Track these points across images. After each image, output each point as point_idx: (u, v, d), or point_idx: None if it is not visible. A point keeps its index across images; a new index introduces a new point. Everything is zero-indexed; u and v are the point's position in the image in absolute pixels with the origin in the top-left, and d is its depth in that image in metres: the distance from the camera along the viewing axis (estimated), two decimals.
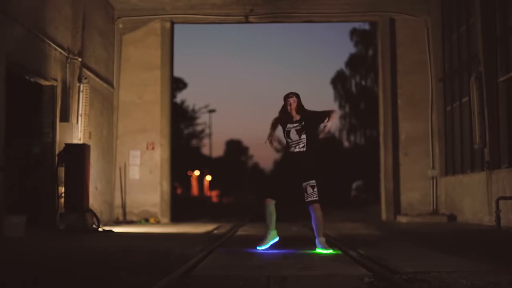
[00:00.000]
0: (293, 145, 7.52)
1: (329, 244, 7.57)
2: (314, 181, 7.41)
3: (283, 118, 7.66)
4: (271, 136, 7.65)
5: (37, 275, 5.43)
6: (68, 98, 12.48)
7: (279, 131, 7.71)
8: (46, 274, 5.50)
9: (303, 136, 7.50)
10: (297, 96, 7.65)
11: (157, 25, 16.71)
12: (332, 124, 7.65)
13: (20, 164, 11.69)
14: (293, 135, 7.52)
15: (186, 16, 16.85)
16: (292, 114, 7.60)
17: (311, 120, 7.59)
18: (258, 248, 7.51)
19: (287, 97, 7.66)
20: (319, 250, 7.30)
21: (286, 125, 7.60)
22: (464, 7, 15.01)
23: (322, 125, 7.57)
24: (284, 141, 7.66)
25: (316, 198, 7.39)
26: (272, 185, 7.69)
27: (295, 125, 7.56)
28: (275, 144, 7.67)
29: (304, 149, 7.49)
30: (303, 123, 7.54)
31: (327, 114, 7.59)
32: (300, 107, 7.61)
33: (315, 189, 7.38)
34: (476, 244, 8.68)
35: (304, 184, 7.40)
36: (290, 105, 7.60)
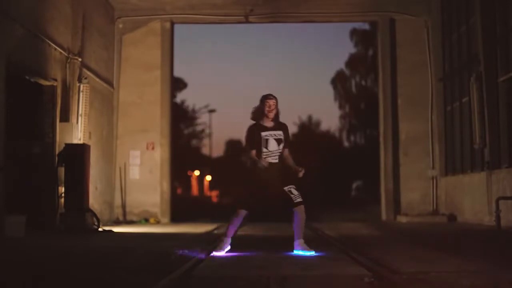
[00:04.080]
0: (269, 156, 6.91)
1: (327, 243, 7.55)
2: (293, 185, 6.97)
3: (256, 127, 6.96)
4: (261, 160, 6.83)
5: (37, 275, 5.43)
6: (68, 98, 12.47)
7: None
8: (46, 274, 5.50)
9: (281, 146, 6.97)
10: (277, 100, 6.98)
11: (157, 25, 16.70)
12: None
13: (20, 164, 11.67)
14: (272, 145, 6.93)
15: (186, 16, 16.84)
16: (270, 119, 6.95)
17: (285, 134, 7.06)
18: (214, 253, 7.00)
19: (267, 98, 6.94)
20: (298, 252, 6.90)
21: (261, 133, 6.92)
22: (464, 7, 15.00)
23: (295, 168, 6.96)
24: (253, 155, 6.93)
25: (302, 200, 6.94)
26: (248, 197, 7.05)
27: (273, 132, 6.95)
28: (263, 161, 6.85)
29: (277, 160, 6.95)
30: (281, 132, 7.01)
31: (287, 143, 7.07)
32: (277, 113, 6.98)
33: (297, 191, 6.96)
34: (476, 244, 8.68)
35: (286, 188, 6.93)
36: (270, 107, 6.90)
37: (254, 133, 6.98)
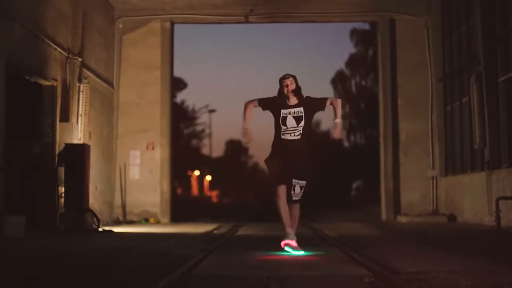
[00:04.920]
0: (287, 132, 6.92)
1: (327, 243, 7.55)
2: (304, 182, 6.90)
3: (276, 102, 7.02)
4: (246, 122, 7.05)
5: (37, 275, 5.43)
6: (68, 98, 12.48)
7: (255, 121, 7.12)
8: (46, 274, 5.50)
9: (302, 123, 6.91)
10: (294, 77, 7.00)
11: (157, 25, 16.71)
12: (341, 122, 6.95)
13: (20, 164, 11.67)
14: (290, 122, 6.91)
15: (186, 16, 16.85)
16: (289, 97, 6.96)
17: (310, 107, 6.99)
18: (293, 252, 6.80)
19: (283, 78, 7.00)
20: (288, 250, 6.80)
21: (280, 111, 6.95)
22: (464, 7, 15.00)
23: (333, 123, 6.96)
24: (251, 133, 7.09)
25: (300, 199, 6.94)
26: (277, 171, 6.82)
27: (292, 110, 6.94)
28: (249, 136, 7.08)
29: (299, 137, 6.90)
30: (303, 109, 6.95)
31: (325, 101, 7.01)
32: (297, 90, 6.97)
33: (302, 190, 6.91)
34: (476, 244, 8.68)
35: (294, 181, 6.85)
36: (287, 86, 6.94)
37: (270, 102, 7.05)
